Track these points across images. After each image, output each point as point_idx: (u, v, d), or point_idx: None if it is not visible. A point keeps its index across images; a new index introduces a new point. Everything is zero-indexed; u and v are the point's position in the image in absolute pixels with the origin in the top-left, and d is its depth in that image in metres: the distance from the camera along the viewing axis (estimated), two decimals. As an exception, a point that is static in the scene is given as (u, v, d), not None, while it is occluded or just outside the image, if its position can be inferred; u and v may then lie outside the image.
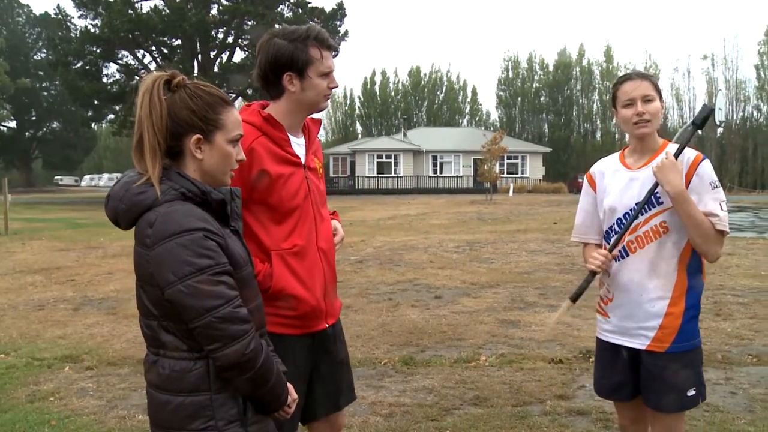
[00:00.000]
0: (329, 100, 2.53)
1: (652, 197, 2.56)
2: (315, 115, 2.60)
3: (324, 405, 2.61)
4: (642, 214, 2.58)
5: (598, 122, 75.22)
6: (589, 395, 4.68)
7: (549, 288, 9.04)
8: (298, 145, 2.49)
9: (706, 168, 2.54)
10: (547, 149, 57.65)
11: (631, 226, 2.58)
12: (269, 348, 1.81)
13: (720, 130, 56.61)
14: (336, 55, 2.47)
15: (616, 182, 2.69)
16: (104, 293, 9.15)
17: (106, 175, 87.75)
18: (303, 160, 2.48)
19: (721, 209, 2.53)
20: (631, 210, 2.60)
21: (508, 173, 50.34)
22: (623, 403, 2.77)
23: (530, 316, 7.34)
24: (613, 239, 2.63)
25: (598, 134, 75.64)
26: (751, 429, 4.05)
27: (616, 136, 72.24)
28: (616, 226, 2.65)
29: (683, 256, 2.56)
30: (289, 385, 1.90)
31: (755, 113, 65.60)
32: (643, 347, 2.58)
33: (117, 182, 1.79)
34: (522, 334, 6.51)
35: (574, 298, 2.72)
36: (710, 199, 2.51)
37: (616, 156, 2.77)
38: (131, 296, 8.61)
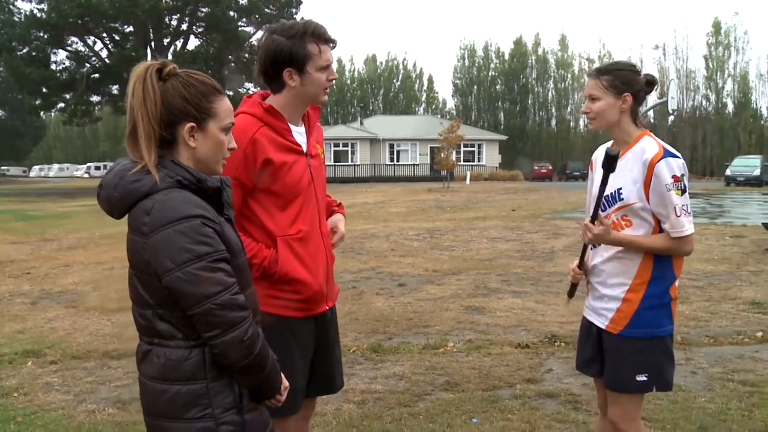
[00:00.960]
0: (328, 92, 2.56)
1: (615, 192, 2.62)
2: None
3: (319, 386, 2.66)
4: (603, 210, 2.65)
5: (554, 110, 76.21)
6: (557, 378, 4.79)
7: (511, 274, 9.17)
8: (299, 133, 2.55)
9: (663, 168, 2.50)
10: (503, 137, 58.28)
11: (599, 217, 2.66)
12: (263, 336, 1.82)
13: (671, 118, 58.01)
14: (334, 47, 2.49)
15: (596, 170, 2.77)
16: (63, 286, 8.94)
17: (56, 166, 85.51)
18: (305, 148, 2.53)
19: (676, 214, 2.51)
20: (594, 199, 2.69)
21: (464, 161, 50.69)
22: (598, 381, 2.87)
23: (494, 302, 7.44)
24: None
25: (554, 122, 76.71)
26: (711, 406, 4.22)
27: (571, 124, 73.46)
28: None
29: None
30: (281, 373, 1.91)
31: (704, 102, 67.35)
32: (603, 326, 2.70)
33: (109, 171, 1.77)
34: (487, 320, 6.60)
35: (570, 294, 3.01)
36: (667, 202, 2.52)
37: (607, 144, 2.85)
38: (91, 289, 8.54)
